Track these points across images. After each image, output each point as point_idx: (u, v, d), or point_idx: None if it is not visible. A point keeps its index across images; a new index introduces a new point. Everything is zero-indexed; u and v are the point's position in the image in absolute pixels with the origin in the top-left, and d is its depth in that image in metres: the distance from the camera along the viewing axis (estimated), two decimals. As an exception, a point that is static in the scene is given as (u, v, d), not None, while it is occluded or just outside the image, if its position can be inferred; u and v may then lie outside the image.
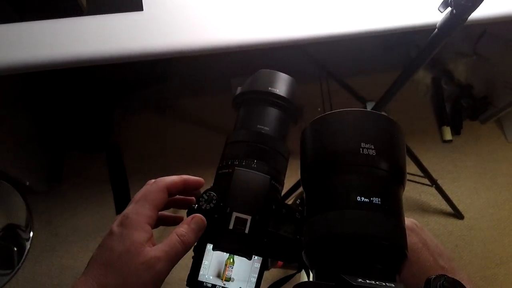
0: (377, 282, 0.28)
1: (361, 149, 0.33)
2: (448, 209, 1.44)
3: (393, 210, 0.33)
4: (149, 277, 0.37)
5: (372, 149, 0.33)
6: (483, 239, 1.45)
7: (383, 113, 0.85)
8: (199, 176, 0.51)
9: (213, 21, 0.74)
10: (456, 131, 1.60)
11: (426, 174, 1.26)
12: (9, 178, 1.28)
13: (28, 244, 1.30)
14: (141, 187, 0.45)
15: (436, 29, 0.69)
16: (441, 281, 0.29)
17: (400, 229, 0.32)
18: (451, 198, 1.39)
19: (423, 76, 1.65)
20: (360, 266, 0.30)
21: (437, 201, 1.46)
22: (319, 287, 0.29)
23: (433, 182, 1.29)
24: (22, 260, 1.28)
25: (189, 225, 0.41)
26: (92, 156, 1.47)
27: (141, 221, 0.39)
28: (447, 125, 1.59)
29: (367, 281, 0.28)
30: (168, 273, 0.39)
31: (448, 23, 0.66)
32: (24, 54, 0.69)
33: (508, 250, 1.43)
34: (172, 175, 0.48)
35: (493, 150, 1.59)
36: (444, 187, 1.35)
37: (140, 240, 0.38)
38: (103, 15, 0.72)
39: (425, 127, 1.62)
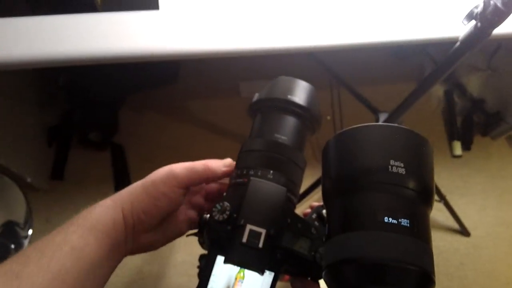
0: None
1: (390, 166, 0.31)
2: (455, 225, 1.42)
3: (422, 233, 0.31)
4: (167, 179, 0.40)
5: (401, 167, 0.31)
6: (489, 258, 1.42)
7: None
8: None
9: (228, 26, 0.73)
10: (466, 147, 1.58)
11: (435, 188, 1.23)
12: (11, 173, 1.26)
13: (26, 242, 1.28)
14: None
15: (459, 42, 0.67)
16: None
17: (429, 254, 0.30)
18: (458, 215, 1.37)
19: (436, 89, 1.63)
20: (386, 293, 0.28)
21: (444, 217, 1.43)
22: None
23: (442, 198, 1.27)
24: (20, 257, 1.26)
25: (218, 161, 0.44)
26: (95, 155, 1.46)
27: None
28: (458, 140, 1.57)
29: (395, 310, 0.26)
30: (188, 181, 0.42)
31: (471, 37, 0.64)
32: (34, 49, 0.67)
33: (514, 270, 1.41)
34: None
35: (503, 167, 1.57)
36: (452, 203, 1.32)
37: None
38: (118, 12, 0.71)
39: (435, 141, 1.60)
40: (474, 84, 1.61)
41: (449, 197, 1.31)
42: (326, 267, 0.31)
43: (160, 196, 0.41)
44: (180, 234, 0.45)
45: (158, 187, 0.41)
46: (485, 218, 1.48)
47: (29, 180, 1.25)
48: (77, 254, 0.35)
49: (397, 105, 0.90)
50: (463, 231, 1.43)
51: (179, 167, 0.42)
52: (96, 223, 0.38)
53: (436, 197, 1.27)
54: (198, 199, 0.48)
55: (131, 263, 1.28)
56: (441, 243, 1.43)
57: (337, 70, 1.30)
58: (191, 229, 0.46)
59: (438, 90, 1.65)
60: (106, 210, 0.39)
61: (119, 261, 0.41)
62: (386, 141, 0.33)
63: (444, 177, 1.53)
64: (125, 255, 0.41)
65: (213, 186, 0.49)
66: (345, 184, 0.32)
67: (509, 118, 1.53)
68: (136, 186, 0.41)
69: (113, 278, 1.40)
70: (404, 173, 0.31)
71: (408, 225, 0.30)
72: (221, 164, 0.44)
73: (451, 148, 1.59)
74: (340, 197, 0.33)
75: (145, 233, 0.42)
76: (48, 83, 1.40)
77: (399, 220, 0.30)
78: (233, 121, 1.52)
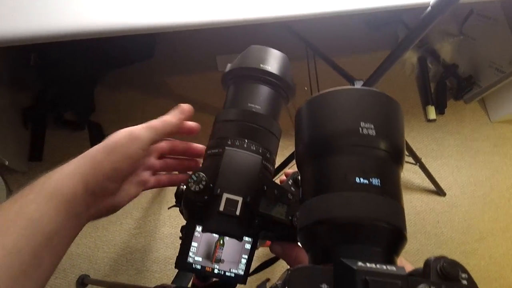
0: (377, 266, 0.27)
1: (360, 128, 0.32)
2: (431, 186, 1.47)
3: (392, 191, 0.32)
4: (130, 141, 0.41)
5: (371, 128, 0.32)
6: (464, 216, 1.48)
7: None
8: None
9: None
10: (440, 111, 1.61)
11: (411, 152, 1.27)
12: (-13, 157, 1.23)
13: (8, 225, 1.27)
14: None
15: (429, 7, 0.68)
16: (441, 263, 0.29)
17: (399, 211, 0.31)
18: (434, 176, 1.41)
19: (409, 55, 1.65)
20: (359, 250, 0.29)
21: (420, 179, 1.48)
22: (317, 271, 0.29)
23: (417, 161, 1.31)
24: None
25: (171, 112, 0.45)
26: (73, 135, 1.44)
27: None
28: (432, 105, 1.60)
29: (368, 264, 0.27)
30: (150, 141, 0.43)
31: (442, 1, 0.65)
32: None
33: (487, 226, 1.47)
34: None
35: (476, 129, 1.62)
36: (427, 165, 1.36)
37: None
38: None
39: (410, 106, 1.63)
40: (446, 50, 1.63)
41: (424, 160, 1.34)
42: (300, 229, 0.32)
43: (122, 159, 0.40)
44: (134, 196, 0.45)
45: (121, 150, 0.40)
46: (459, 178, 1.53)
47: (7, 163, 1.23)
48: (33, 227, 0.33)
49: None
50: (439, 191, 1.48)
51: (138, 129, 0.42)
52: (55, 192, 0.36)
53: (411, 160, 1.30)
54: (151, 160, 0.47)
55: (118, 238, 1.29)
56: (418, 204, 1.48)
57: (313, 40, 1.29)
58: (146, 190, 0.47)
59: (411, 57, 1.67)
60: (66, 179, 0.37)
61: (79, 229, 0.39)
62: (356, 104, 0.33)
63: (419, 141, 1.57)
64: (87, 222, 0.40)
65: (163, 145, 0.48)
66: (317, 147, 0.33)
67: (481, 82, 1.56)
68: (97, 151, 0.40)
69: (101, 254, 1.40)
70: (374, 134, 0.32)
71: (379, 184, 0.31)
72: (177, 112, 0.44)
73: (425, 113, 1.62)
74: (312, 161, 0.34)
75: (106, 197, 0.41)
76: (18, 62, 1.36)
77: (370, 179, 0.31)
78: (211, 95, 1.51)
